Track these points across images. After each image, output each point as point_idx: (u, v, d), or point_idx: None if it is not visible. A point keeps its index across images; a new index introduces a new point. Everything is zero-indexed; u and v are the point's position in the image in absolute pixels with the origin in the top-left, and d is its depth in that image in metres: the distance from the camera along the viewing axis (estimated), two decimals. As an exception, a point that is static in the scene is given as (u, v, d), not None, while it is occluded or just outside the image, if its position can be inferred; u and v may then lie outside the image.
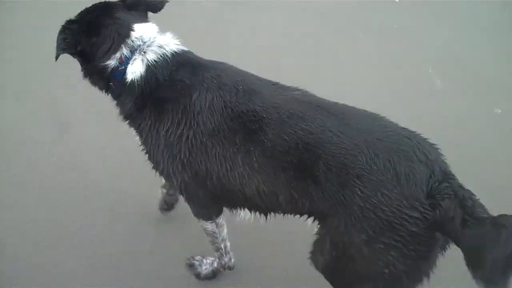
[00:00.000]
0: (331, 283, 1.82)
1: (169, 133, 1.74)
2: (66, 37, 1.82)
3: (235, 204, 1.89)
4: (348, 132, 1.56)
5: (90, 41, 1.83)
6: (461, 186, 1.53)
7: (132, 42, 1.83)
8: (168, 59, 1.81)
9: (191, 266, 2.36)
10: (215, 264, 2.33)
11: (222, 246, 2.21)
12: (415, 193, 1.47)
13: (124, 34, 1.84)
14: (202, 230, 2.16)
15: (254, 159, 1.63)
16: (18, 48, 3.72)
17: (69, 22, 1.87)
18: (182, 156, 1.75)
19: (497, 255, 1.34)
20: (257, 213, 1.89)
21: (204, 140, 1.70)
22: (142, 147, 1.93)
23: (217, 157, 1.69)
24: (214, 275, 2.34)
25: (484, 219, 1.41)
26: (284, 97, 1.70)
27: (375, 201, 1.49)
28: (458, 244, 1.46)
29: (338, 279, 1.77)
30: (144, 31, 1.87)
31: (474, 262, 1.39)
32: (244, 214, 1.94)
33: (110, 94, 1.96)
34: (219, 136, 1.68)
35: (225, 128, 1.67)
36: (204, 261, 2.34)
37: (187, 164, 1.76)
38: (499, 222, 1.36)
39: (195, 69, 1.80)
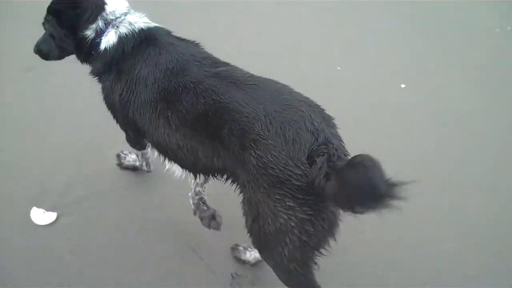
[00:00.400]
0: (259, 250, 2.08)
1: (122, 96, 2.23)
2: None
3: (167, 156, 2.29)
4: (251, 103, 1.89)
5: (75, 13, 2.21)
6: (334, 147, 1.79)
7: (106, 15, 2.24)
8: (135, 34, 2.23)
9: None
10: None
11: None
12: (299, 155, 1.79)
13: (100, 5, 2.24)
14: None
15: (172, 122, 2.06)
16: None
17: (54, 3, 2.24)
18: (128, 114, 2.25)
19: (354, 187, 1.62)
20: (187, 171, 2.30)
21: (139, 106, 2.18)
22: (103, 100, 2.39)
23: (146, 119, 2.18)
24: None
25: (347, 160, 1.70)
26: (207, 74, 2.07)
27: (266, 161, 1.81)
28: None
29: (263, 243, 1.99)
30: (116, 7, 2.27)
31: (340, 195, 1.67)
32: (176, 170, 2.36)
33: (88, 63, 2.38)
34: (148, 105, 2.14)
35: (152, 99, 2.12)
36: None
37: (131, 121, 2.27)
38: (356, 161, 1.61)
39: (147, 46, 2.21)
